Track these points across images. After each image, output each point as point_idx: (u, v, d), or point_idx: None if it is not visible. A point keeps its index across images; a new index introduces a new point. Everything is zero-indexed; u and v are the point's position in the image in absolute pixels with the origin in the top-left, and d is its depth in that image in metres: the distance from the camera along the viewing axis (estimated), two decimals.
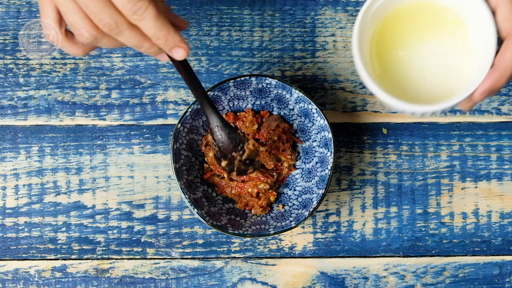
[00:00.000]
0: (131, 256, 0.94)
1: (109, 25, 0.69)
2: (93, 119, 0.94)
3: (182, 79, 0.94)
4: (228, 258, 0.94)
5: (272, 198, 0.91)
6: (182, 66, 0.75)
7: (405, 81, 0.78)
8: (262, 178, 0.90)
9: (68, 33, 0.73)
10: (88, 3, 0.68)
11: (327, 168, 0.89)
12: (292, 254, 0.94)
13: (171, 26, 0.70)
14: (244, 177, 0.90)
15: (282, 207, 0.91)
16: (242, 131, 0.89)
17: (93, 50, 0.81)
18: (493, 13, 0.74)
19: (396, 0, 0.76)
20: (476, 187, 0.94)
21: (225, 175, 0.90)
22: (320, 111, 0.88)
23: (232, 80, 0.88)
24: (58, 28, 0.72)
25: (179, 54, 0.72)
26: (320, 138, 0.90)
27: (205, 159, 0.92)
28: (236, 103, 0.92)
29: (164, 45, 0.71)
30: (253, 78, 0.89)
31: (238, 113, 0.92)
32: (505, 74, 0.72)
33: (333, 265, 0.94)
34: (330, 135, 0.88)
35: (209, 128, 0.83)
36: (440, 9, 0.78)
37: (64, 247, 0.94)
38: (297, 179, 0.92)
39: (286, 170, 0.92)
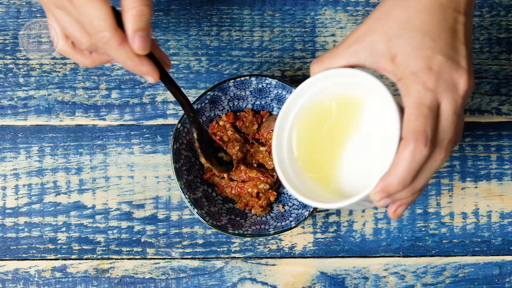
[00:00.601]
0: (131, 256, 0.94)
1: (98, 41, 0.72)
2: (93, 119, 0.94)
3: (182, 79, 0.94)
4: (228, 258, 0.94)
5: (272, 198, 0.91)
6: (164, 80, 0.77)
7: (325, 174, 0.75)
8: (262, 178, 0.90)
9: (74, 44, 0.77)
10: (79, 18, 0.71)
11: None
12: (292, 254, 0.94)
13: (136, 58, 0.72)
14: (244, 177, 0.91)
15: (282, 207, 0.91)
16: (219, 144, 0.87)
17: (106, 63, 0.83)
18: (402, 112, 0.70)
19: (305, 99, 0.75)
20: (476, 187, 0.94)
21: (225, 175, 0.90)
22: None
23: (232, 80, 0.88)
24: (64, 40, 0.76)
25: (148, 80, 0.75)
26: None
27: None
28: (236, 103, 0.92)
29: (134, 71, 0.74)
30: (253, 78, 0.89)
31: (238, 113, 0.92)
32: (394, 174, 0.68)
33: (333, 265, 0.94)
34: None
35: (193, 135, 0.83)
36: (347, 102, 0.75)
37: (64, 247, 0.94)
38: None
39: None
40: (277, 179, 0.92)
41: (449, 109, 0.69)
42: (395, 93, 0.76)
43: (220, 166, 0.86)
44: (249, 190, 0.90)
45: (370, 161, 0.74)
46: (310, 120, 0.76)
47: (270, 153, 0.91)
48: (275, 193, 0.91)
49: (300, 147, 0.77)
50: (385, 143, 0.72)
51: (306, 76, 0.94)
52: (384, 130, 0.73)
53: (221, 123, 0.91)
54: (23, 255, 0.94)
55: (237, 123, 0.91)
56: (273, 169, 0.91)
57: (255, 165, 0.91)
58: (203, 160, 0.83)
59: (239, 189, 0.91)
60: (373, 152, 0.74)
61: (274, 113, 0.92)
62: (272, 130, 0.90)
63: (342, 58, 0.73)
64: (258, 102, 0.92)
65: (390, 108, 0.71)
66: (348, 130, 0.75)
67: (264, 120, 0.92)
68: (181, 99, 0.78)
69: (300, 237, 0.94)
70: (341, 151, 0.75)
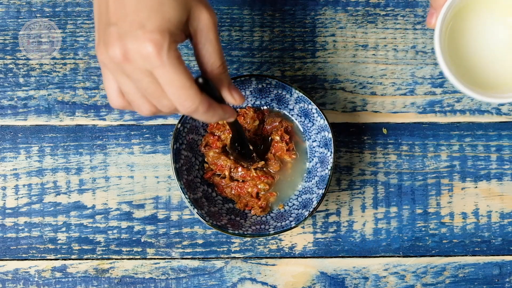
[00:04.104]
0: (131, 256, 0.94)
1: (169, 110, 0.73)
2: (93, 119, 0.94)
3: None
4: (228, 258, 0.94)
5: (272, 199, 0.91)
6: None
7: (478, 69, 0.83)
8: (262, 178, 0.90)
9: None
10: (147, 89, 0.70)
11: (327, 168, 0.89)
12: (292, 254, 0.94)
13: (221, 110, 0.75)
14: (244, 175, 0.91)
15: (282, 207, 0.91)
16: (254, 155, 0.91)
17: None
18: None
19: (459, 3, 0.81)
20: (476, 187, 0.94)
21: (226, 173, 0.91)
22: (320, 111, 0.88)
23: (232, 80, 0.88)
24: (122, 98, 0.74)
25: (229, 121, 0.79)
26: (320, 138, 0.90)
27: (205, 159, 0.92)
28: None
29: (217, 121, 0.76)
30: (253, 78, 0.89)
31: (238, 109, 0.92)
32: None
33: (333, 265, 0.94)
34: (330, 135, 0.88)
35: (230, 140, 0.89)
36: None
37: (64, 247, 0.94)
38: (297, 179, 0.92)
39: (290, 170, 0.92)
40: (277, 179, 0.92)
41: None
42: None
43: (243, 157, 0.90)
44: (249, 190, 0.90)
45: None
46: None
47: (274, 155, 0.91)
48: (275, 194, 0.91)
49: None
50: None
51: (306, 76, 0.94)
52: None
53: (220, 122, 0.91)
54: (23, 255, 0.94)
55: (238, 119, 0.91)
56: (276, 172, 0.91)
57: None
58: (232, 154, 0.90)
59: (239, 189, 0.91)
60: None
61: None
62: (276, 125, 0.91)
63: None
64: (258, 102, 0.92)
65: None
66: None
67: (266, 115, 0.92)
68: (237, 128, 0.85)
69: (300, 237, 0.94)
70: (495, 45, 0.83)
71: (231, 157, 0.90)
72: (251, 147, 0.89)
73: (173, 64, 0.69)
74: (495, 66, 0.83)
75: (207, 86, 0.73)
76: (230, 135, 0.89)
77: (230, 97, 0.76)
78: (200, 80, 0.72)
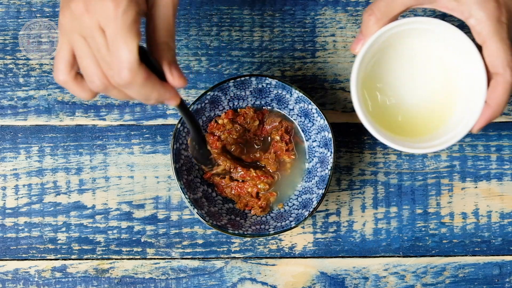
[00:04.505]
0: (131, 256, 0.94)
1: (115, 81, 0.70)
2: (93, 119, 0.94)
3: None
4: (228, 258, 0.94)
5: (272, 199, 0.91)
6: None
7: (396, 118, 0.83)
8: (262, 178, 0.90)
9: (78, 76, 0.73)
10: (98, 48, 0.69)
11: (327, 168, 0.89)
12: (292, 254, 0.94)
13: (161, 86, 0.72)
14: (244, 175, 0.91)
15: (282, 206, 0.91)
16: (213, 157, 0.90)
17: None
18: (480, 48, 0.77)
19: (388, 39, 0.80)
20: (476, 187, 0.94)
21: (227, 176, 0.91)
22: (320, 111, 0.88)
23: (232, 80, 0.88)
24: (67, 72, 0.72)
25: (171, 104, 0.74)
26: (320, 138, 0.90)
27: None
28: (236, 103, 0.92)
29: (157, 101, 0.73)
30: (253, 78, 0.89)
31: (238, 110, 0.92)
32: (498, 110, 0.78)
33: (333, 265, 0.94)
34: (330, 135, 0.88)
35: (190, 138, 0.86)
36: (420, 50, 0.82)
37: (64, 247, 0.94)
38: (297, 179, 0.92)
39: (289, 171, 0.92)
40: (277, 179, 0.92)
41: None
42: None
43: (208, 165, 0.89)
44: (249, 190, 0.90)
45: (447, 102, 0.82)
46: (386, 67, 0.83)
47: (276, 153, 0.91)
48: (275, 193, 0.91)
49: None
50: (468, 84, 0.80)
51: (306, 76, 0.94)
52: (466, 72, 0.80)
53: (220, 122, 0.91)
54: (23, 255, 0.94)
55: (237, 119, 0.91)
56: (275, 171, 0.91)
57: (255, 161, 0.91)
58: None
59: (239, 189, 0.91)
60: (450, 94, 0.82)
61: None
62: (276, 125, 0.91)
63: (400, 3, 0.76)
64: (258, 102, 0.92)
65: (470, 48, 0.77)
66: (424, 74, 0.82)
67: (266, 115, 0.92)
68: (193, 124, 0.81)
69: (300, 237, 0.94)
70: (414, 93, 0.83)
71: (193, 157, 0.88)
72: (208, 147, 0.86)
73: (124, 23, 0.68)
74: (413, 114, 0.83)
75: (145, 57, 0.70)
76: (228, 144, 0.89)
77: (169, 74, 0.72)
78: (139, 48, 0.69)
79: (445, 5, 0.76)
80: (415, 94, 0.83)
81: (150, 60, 0.71)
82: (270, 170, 0.91)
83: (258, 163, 0.92)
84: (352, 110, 0.94)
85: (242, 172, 0.91)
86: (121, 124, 0.94)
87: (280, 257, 0.94)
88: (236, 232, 0.87)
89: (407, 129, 0.83)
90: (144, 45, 0.72)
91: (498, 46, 0.76)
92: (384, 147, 0.94)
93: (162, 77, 0.72)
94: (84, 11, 0.68)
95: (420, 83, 0.83)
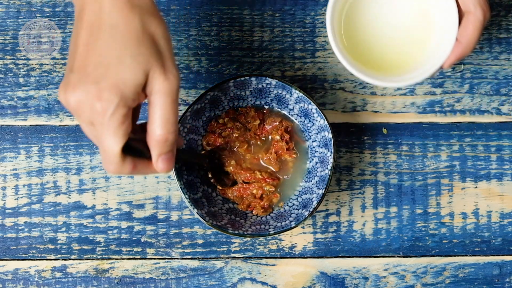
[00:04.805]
0: (131, 256, 0.94)
1: (109, 172, 0.75)
2: None
3: (182, 79, 0.94)
4: (228, 258, 0.94)
5: (274, 200, 0.91)
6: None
7: (371, 53, 0.86)
8: (268, 180, 0.90)
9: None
10: (91, 137, 0.74)
11: (327, 168, 0.89)
12: (292, 254, 0.94)
13: (145, 169, 0.76)
14: (249, 178, 0.91)
15: (282, 205, 0.91)
16: (231, 176, 0.92)
17: None
18: None
19: None
20: (476, 187, 0.94)
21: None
22: (320, 111, 0.88)
23: (232, 80, 0.88)
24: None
25: (160, 173, 0.79)
26: (320, 138, 0.90)
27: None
28: (236, 103, 0.92)
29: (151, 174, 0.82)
30: (253, 78, 0.89)
31: (239, 109, 0.92)
32: (468, 47, 0.83)
33: (333, 265, 0.94)
34: (330, 135, 0.88)
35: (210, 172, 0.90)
36: None
37: (64, 247, 0.94)
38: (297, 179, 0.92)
39: (292, 170, 0.92)
40: (282, 181, 0.92)
41: None
42: None
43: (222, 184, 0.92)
44: (254, 191, 0.91)
45: (420, 39, 0.86)
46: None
47: (276, 153, 0.91)
48: (278, 195, 0.91)
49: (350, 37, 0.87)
50: (441, 21, 0.84)
51: (306, 76, 0.94)
52: (439, 10, 0.84)
53: (220, 121, 0.91)
54: (23, 255, 0.94)
55: (238, 118, 0.91)
56: (278, 171, 0.91)
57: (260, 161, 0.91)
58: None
59: (242, 191, 0.91)
60: (424, 31, 0.85)
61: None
62: (276, 125, 0.91)
63: None
64: (258, 102, 0.92)
65: None
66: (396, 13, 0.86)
67: (266, 115, 0.92)
68: (198, 161, 0.87)
69: (300, 237, 0.94)
70: (389, 30, 0.86)
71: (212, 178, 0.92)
72: (229, 174, 0.91)
73: (111, 127, 0.71)
74: (389, 50, 0.87)
75: (135, 152, 0.74)
76: (232, 143, 0.91)
77: (156, 165, 0.75)
78: (123, 146, 0.73)
79: None
80: (391, 31, 0.86)
81: (135, 151, 0.74)
82: (274, 170, 0.91)
83: (262, 162, 0.92)
84: (352, 110, 0.94)
85: (247, 175, 0.91)
86: None
87: (280, 257, 0.94)
88: (236, 232, 0.87)
89: (383, 65, 0.86)
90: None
91: None
92: (384, 147, 0.94)
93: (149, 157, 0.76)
94: (75, 108, 0.72)
95: (396, 20, 0.86)
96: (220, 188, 0.91)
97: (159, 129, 0.73)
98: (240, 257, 0.94)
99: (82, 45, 0.72)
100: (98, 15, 0.71)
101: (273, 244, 0.94)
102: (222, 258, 0.94)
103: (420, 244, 0.94)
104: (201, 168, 0.90)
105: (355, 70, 0.83)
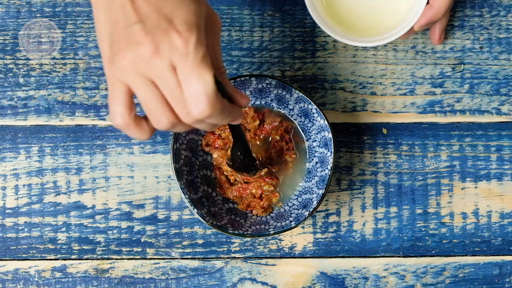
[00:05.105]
0: (131, 256, 0.94)
1: (191, 119, 0.69)
2: (93, 119, 0.94)
3: None
4: (228, 258, 0.94)
5: (274, 200, 0.91)
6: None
7: (348, 15, 0.90)
8: (267, 180, 0.90)
9: (137, 118, 0.71)
10: (170, 88, 0.68)
11: (327, 168, 0.89)
12: (292, 254, 0.94)
13: (232, 110, 0.72)
14: (248, 178, 0.91)
15: (281, 205, 0.91)
16: (257, 163, 0.90)
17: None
18: None
19: None
20: (476, 187, 0.94)
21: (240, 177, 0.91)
22: (320, 111, 0.88)
23: (232, 80, 0.88)
24: (128, 115, 0.70)
25: (237, 123, 0.76)
26: (320, 138, 0.90)
27: (213, 157, 0.92)
28: None
29: (228, 122, 0.74)
30: (253, 78, 0.89)
31: None
32: (439, 10, 0.87)
33: (333, 265, 0.94)
34: (330, 135, 0.88)
35: (232, 150, 0.86)
36: None
37: (64, 247, 0.94)
38: (297, 179, 0.92)
39: (291, 170, 0.92)
40: (282, 181, 0.92)
41: None
42: None
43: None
44: (253, 191, 0.91)
45: (394, 1, 0.90)
46: None
47: (275, 154, 0.91)
48: (278, 194, 0.91)
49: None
50: None
51: (306, 76, 0.94)
52: None
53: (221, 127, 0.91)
54: (23, 255, 0.94)
55: None
56: (278, 171, 0.91)
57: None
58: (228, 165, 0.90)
59: (241, 190, 0.91)
60: None
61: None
62: (276, 125, 0.91)
63: None
64: (258, 102, 0.92)
65: None
66: None
67: (266, 115, 0.92)
68: (241, 137, 0.84)
69: (300, 237, 0.94)
70: None
71: (232, 169, 0.89)
72: (253, 155, 0.88)
73: (196, 58, 0.67)
74: (365, 12, 0.90)
75: (218, 86, 0.69)
76: (231, 144, 0.89)
77: (240, 97, 0.73)
78: (216, 79, 0.69)
79: None
80: None
81: (221, 86, 0.70)
82: (273, 170, 0.91)
83: (269, 139, 0.92)
84: (352, 110, 0.94)
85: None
86: None
87: (280, 257, 0.94)
88: (236, 232, 0.87)
89: (359, 27, 0.90)
90: None
91: None
92: (384, 147, 0.94)
93: (228, 100, 0.72)
94: (154, 53, 0.67)
95: None
96: (247, 175, 0.90)
97: (220, 62, 0.72)
98: (240, 257, 0.94)
99: (128, 2, 0.68)
100: None
101: (273, 244, 0.94)
102: (222, 258, 0.94)
103: (420, 244, 0.94)
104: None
105: (331, 30, 0.87)
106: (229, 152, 0.89)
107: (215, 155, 0.91)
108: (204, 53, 0.67)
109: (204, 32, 0.69)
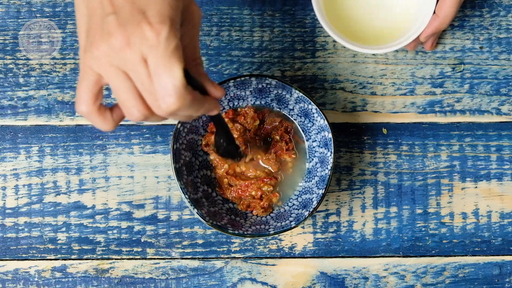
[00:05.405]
0: (131, 256, 0.94)
1: (161, 110, 0.69)
2: None
3: None
4: (228, 258, 0.94)
5: (274, 200, 0.91)
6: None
7: (353, 25, 0.90)
8: (266, 180, 0.90)
9: (101, 107, 0.71)
10: (141, 79, 0.68)
11: (327, 168, 0.89)
12: (292, 254, 0.94)
13: (203, 101, 0.72)
14: (249, 174, 0.91)
15: (281, 204, 0.91)
16: (242, 150, 0.90)
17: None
18: None
19: None
20: (476, 187, 0.94)
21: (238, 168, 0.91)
22: (320, 111, 0.88)
23: (232, 80, 0.88)
24: (92, 103, 0.70)
25: (213, 113, 0.75)
26: (320, 138, 0.90)
27: (210, 157, 0.92)
28: (236, 103, 0.92)
29: (201, 114, 0.73)
30: (253, 78, 0.89)
31: (238, 109, 0.92)
32: (445, 21, 0.87)
33: (333, 265, 0.94)
34: (330, 135, 0.88)
35: (215, 138, 0.85)
36: None
37: (64, 247, 0.94)
38: (297, 179, 0.92)
39: (291, 170, 0.92)
40: (281, 180, 0.92)
41: None
42: None
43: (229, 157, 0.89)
44: (253, 193, 0.91)
45: (400, 11, 0.90)
46: None
47: (275, 153, 0.91)
48: (278, 194, 0.91)
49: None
50: None
51: (306, 76, 0.94)
52: None
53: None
54: (23, 255, 0.94)
55: (238, 119, 0.91)
56: (277, 171, 0.91)
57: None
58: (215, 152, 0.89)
59: (240, 192, 0.91)
60: (402, 4, 0.90)
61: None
62: (276, 125, 0.91)
63: None
64: (258, 102, 0.92)
65: None
66: None
67: (266, 115, 0.92)
68: (223, 125, 0.83)
69: (300, 237, 0.94)
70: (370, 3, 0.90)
71: (217, 155, 0.89)
72: (236, 142, 0.87)
73: (167, 50, 0.67)
74: (369, 22, 0.90)
75: (189, 78, 0.69)
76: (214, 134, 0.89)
77: (214, 89, 0.73)
78: (186, 71, 0.69)
79: None
80: (372, 4, 0.90)
81: (192, 78, 0.70)
82: (272, 170, 0.91)
83: (261, 162, 0.92)
84: (352, 110, 0.94)
85: (244, 169, 0.91)
86: (121, 124, 0.94)
87: (280, 257, 0.94)
88: (236, 232, 0.87)
89: (363, 37, 0.90)
90: None
91: None
92: (384, 147, 0.94)
93: (201, 92, 0.72)
94: (125, 45, 0.67)
95: None
96: (232, 161, 0.90)
97: (196, 53, 0.72)
98: (240, 257, 0.94)
99: None
100: None
101: (273, 244, 0.94)
102: (222, 258, 0.94)
103: (420, 244, 0.94)
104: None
105: (339, 38, 0.87)
106: (212, 139, 0.89)
107: (211, 157, 0.91)
108: (175, 46, 0.67)
109: (178, 25, 0.69)
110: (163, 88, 0.67)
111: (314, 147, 0.91)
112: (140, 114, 0.70)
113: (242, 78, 0.88)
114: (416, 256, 0.94)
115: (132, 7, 0.67)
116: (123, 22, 0.67)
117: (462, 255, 0.94)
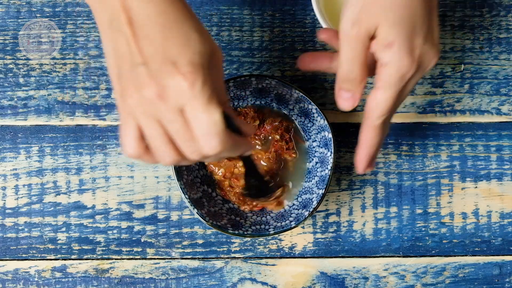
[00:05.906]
0: (131, 256, 0.94)
1: (195, 156, 0.70)
2: (93, 119, 0.94)
3: None
4: (228, 258, 0.94)
5: (286, 190, 0.91)
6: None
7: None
8: (270, 205, 0.91)
9: (147, 148, 0.71)
10: (177, 131, 0.68)
11: (327, 168, 0.89)
12: (292, 254, 0.94)
13: (241, 143, 0.73)
14: (265, 203, 0.91)
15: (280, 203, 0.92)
16: (272, 184, 0.91)
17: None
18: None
19: None
20: (476, 187, 0.94)
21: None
22: (320, 111, 0.88)
23: (232, 80, 0.88)
24: (137, 146, 0.71)
25: (247, 153, 0.77)
26: (320, 138, 0.90)
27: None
28: (236, 103, 0.92)
29: (235, 154, 0.74)
30: (253, 78, 0.89)
31: (239, 109, 0.92)
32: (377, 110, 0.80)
33: (333, 265, 0.94)
34: (330, 135, 0.88)
35: (245, 179, 0.87)
36: None
37: (64, 247, 0.94)
38: (297, 178, 0.92)
39: (292, 169, 0.92)
40: (278, 180, 0.92)
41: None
42: None
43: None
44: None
45: None
46: None
47: (276, 152, 0.91)
48: (288, 185, 0.91)
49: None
50: None
51: (306, 76, 0.94)
52: None
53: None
54: (23, 255, 0.94)
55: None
56: (277, 171, 0.92)
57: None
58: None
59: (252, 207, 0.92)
60: None
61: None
62: (276, 125, 0.91)
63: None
64: (258, 102, 0.92)
65: None
66: None
67: (266, 115, 0.92)
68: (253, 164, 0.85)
69: (300, 237, 0.94)
70: None
71: (246, 196, 0.90)
72: (266, 179, 0.88)
73: (204, 99, 0.67)
74: None
75: (228, 121, 0.70)
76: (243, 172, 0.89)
77: (247, 127, 0.74)
78: (224, 114, 0.69)
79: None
80: None
81: (230, 122, 0.70)
82: (271, 170, 0.91)
83: (262, 162, 0.92)
84: (352, 110, 0.94)
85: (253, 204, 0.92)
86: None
87: (280, 257, 0.94)
88: (236, 232, 0.87)
89: None
90: None
91: (385, 96, 0.76)
92: (384, 147, 0.94)
93: (237, 132, 0.73)
94: (159, 97, 0.67)
95: None
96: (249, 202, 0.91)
97: (225, 95, 0.73)
98: (240, 257, 0.94)
99: (132, 41, 0.68)
100: (136, 9, 0.68)
101: (273, 244, 0.94)
102: (222, 258, 0.94)
103: (420, 244, 0.94)
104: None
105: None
106: (242, 181, 0.89)
107: (206, 162, 0.91)
108: (211, 93, 0.68)
109: (208, 71, 0.69)
110: (205, 135, 0.68)
111: (314, 147, 0.91)
112: (172, 160, 0.71)
113: (242, 78, 0.88)
114: (416, 256, 0.94)
115: (162, 57, 0.67)
116: (155, 73, 0.67)
117: (462, 255, 0.94)
